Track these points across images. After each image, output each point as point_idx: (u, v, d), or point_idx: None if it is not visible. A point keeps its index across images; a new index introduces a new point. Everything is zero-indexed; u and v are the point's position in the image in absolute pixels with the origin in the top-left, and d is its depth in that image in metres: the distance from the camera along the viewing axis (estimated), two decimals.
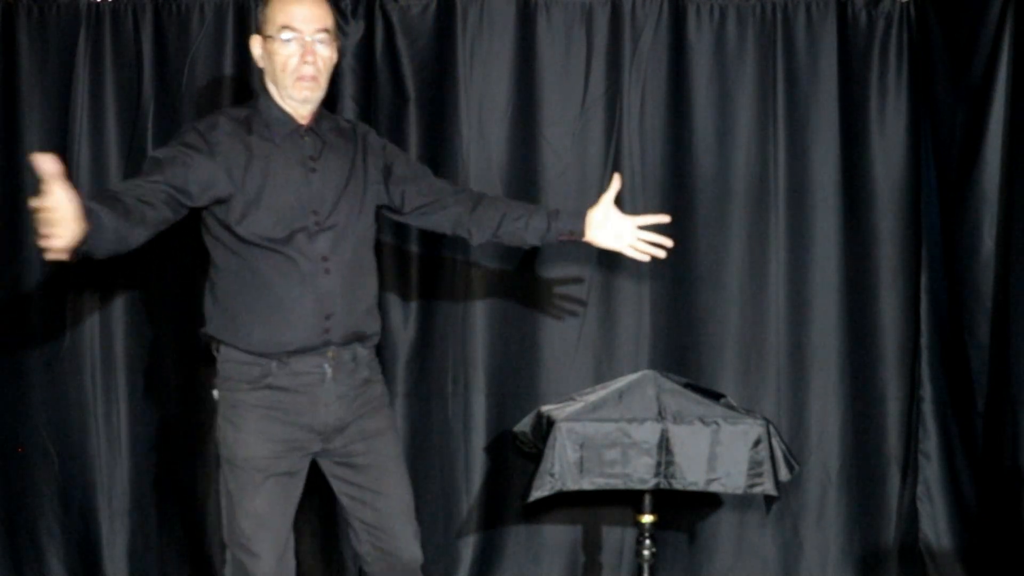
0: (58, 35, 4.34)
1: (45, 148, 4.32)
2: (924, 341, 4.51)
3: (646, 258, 3.48)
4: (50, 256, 2.74)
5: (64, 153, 4.34)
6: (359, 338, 3.28)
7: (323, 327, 3.19)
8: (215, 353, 3.26)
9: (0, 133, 4.36)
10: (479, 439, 4.42)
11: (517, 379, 4.42)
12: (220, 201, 3.16)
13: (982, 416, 4.25)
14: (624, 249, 3.45)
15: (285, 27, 3.18)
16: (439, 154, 4.37)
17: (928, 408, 4.52)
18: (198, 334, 3.33)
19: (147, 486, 4.41)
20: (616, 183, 3.43)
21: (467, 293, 4.38)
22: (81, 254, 2.85)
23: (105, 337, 4.37)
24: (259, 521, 3.16)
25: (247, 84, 4.36)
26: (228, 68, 4.35)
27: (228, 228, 3.16)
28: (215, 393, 3.27)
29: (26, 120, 4.35)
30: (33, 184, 4.31)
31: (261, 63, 3.27)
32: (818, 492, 4.48)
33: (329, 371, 3.22)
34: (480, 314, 4.40)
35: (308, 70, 3.19)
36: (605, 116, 4.42)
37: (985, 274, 4.20)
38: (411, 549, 3.34)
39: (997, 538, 4.19)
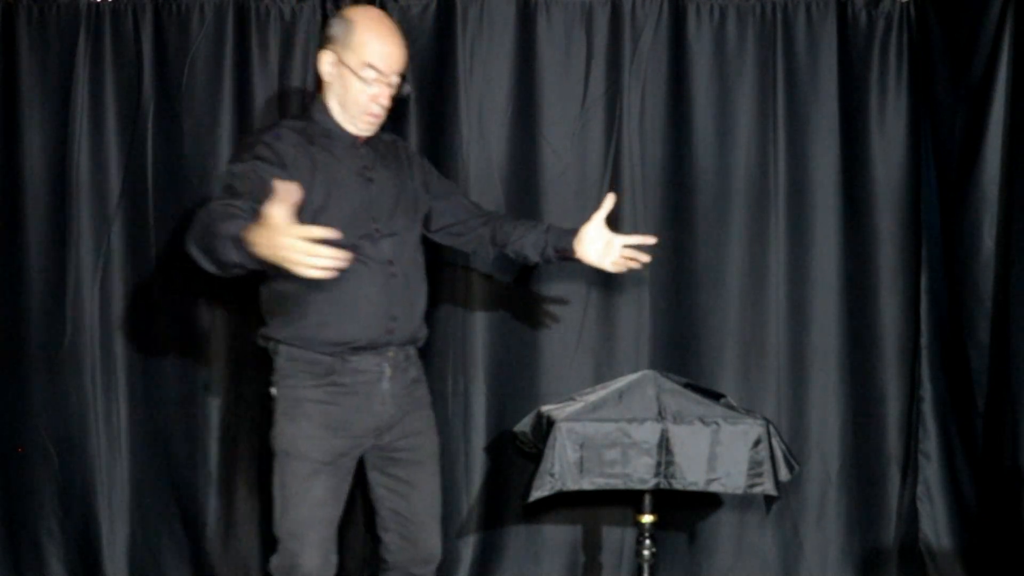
0: (58, 35, 4.35)
1: (45, 148, 4.35)
2: (924, 341, 4.51)
3: (623, 269, 3.57)
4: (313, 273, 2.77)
5: (64, 153, 4.35)
6: (414, 340, 3.43)
7: (388, 327, 3.31)
8: (272, 353, 3.34)
9: (0, 133, 4.36)
10: (479, 439, 4.42)
11: (517, 379, 4.42)
12: None
13: (982, 416, 4.24)
14: (606, 266, 3.55)
15: (370, 66, 3.26)
16: (439, 154, 4.37)
17: (928, 408, 4.52)
18: (257, 335, 3.39)
19: (147, 486, 4.41)
20: (610, 202, 3.51)
21: (467, 294, 4.39)
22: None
23: (105, 337, 4.38)
24: (311, 513, 3.26)
25: (247, 84, 4.36)
26: (228, 68, 4.36)
27: None
28: (273, 391, 3.35)
29: (26, 120, 4.35)
30: (33, 184, 4.35)
31: (328, 78, 3.33)
32: (818, 492, 4.48)
33: (388, 370, 3.34)
34: (480, 314, 4.40)
35: (377, 110, 3.32)
36: (605, 116, 4.42)
37: (985, 274, 4.20)
38: (434, 541, 3.48)
39: (997, 538, 4.19)
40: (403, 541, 3.46)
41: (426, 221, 3.56)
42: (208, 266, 2.95)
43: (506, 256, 3.64)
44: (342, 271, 3.05)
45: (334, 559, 3.32)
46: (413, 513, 3.44)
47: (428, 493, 3.48)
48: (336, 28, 3.30)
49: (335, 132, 3.34)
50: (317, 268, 2.73)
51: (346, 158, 3.33)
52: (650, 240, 3.56)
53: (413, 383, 3.45)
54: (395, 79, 3.31)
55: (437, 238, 3.63)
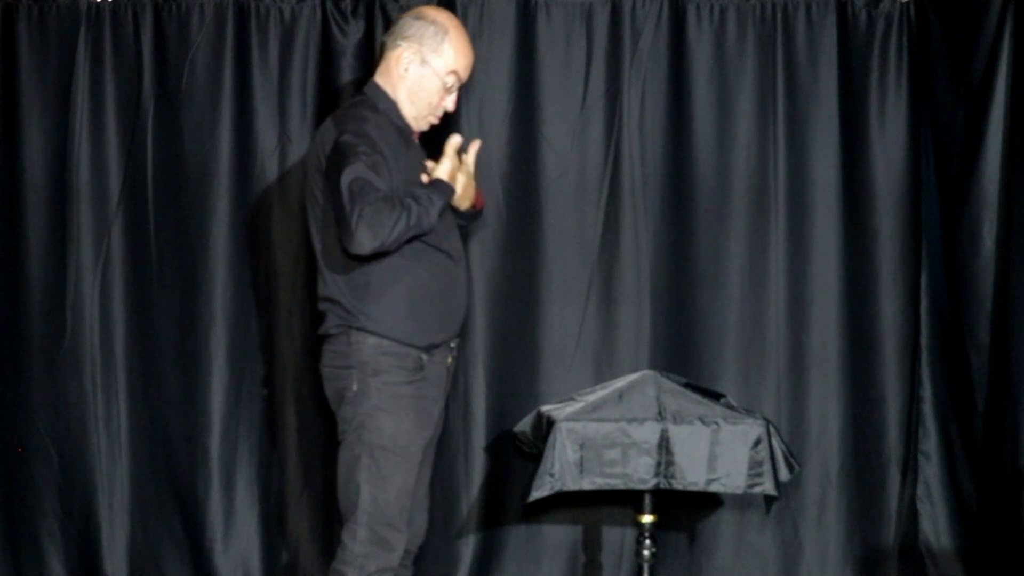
0: (58, 35, 4.35)
1: (45, 148, 4.35)
2: (924, 341, 4.51)
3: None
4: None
5: (64, 153, 4.35)
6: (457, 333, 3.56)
7: (462, 321, 3.54)
8: (354, 344, 3.35)
9: (0, 133, 4.35)
10: (479, 439, 4.42)
11: (517, 379, 4.42)
12: None
13: (982, 416, 4.24)
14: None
15: (455, 73, 3.46)
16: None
17: (928, 408, 4.52)
18: (328, 324, 3.41)
19: (147, 486, 4.41)
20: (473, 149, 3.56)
21: (467, 293, 4.38)
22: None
23: (105, 337, 4.38)
24: (404, 503, 3.40)
25: (247, 84, 4.36)
26: (228, 68, 4.36)
27: None
28: (354, 384, 3.35)
29: (26, 120, 4.35)
30: (33, 184, 4.35)
31: (403, 73, 3.44)
32: (818, 492, 4.48)
33: (450, 362, 3.53)
34: (480, 314, 4.40)
35: (442, 112, 3.52)
36: (605, 116, 4.42)
37: (985, 274, 4.20)
38: (424, 518, 3.65)
39: (997, 538, 4.19)
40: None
41: None
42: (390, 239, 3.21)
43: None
44: (436, 267, 3.41)
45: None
46: (416, 497, 3.54)
47: (427, 475, 3.61)
48: (422, 29, 3.44)
49: (404, 127, 3.48)
50: None
51: (414, 152, 3.50)
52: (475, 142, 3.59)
53: (448, 374, 3.57)
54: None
55: None
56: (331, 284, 3.39)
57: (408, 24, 3.46)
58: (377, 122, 3.39)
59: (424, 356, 3.40)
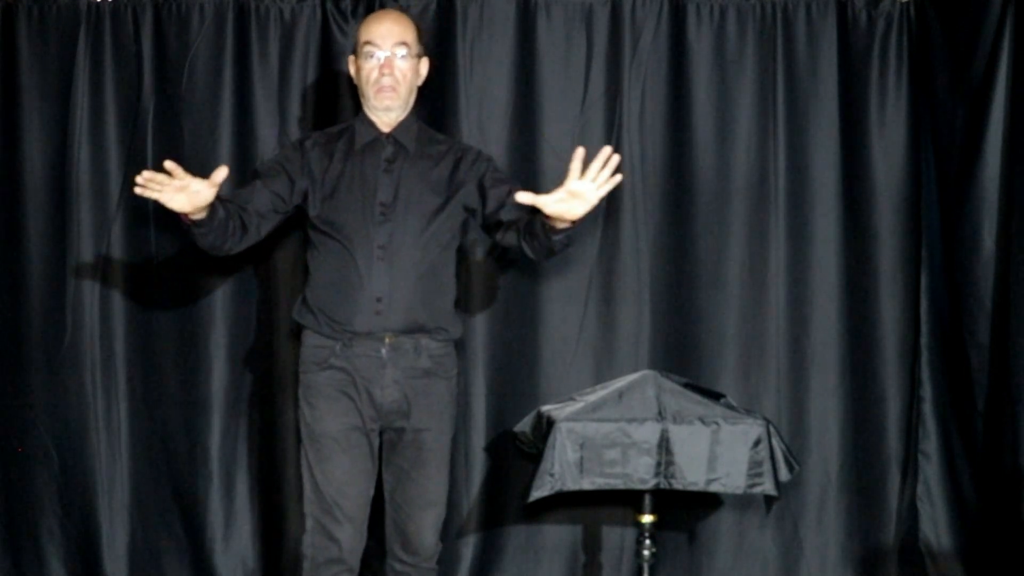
0: (58, 35, 4.35)
1: (45, 148, 4.35)
2: (924, 341, 4.51)
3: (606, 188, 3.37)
4: (141, 192, 3.24)
5: (64, 153, 4.35)
6: (421, 330, 3.50)
7: (375, 309, 3.46)
8: (305, 338, 3.55)
9: (0, 133, 4.36)
10: (479, 439, 4.42)
11: (517, 379, 4.42)
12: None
13: (982, 416, 4.24)
14: (592, 199, 3.36)
15: (367, 43, 3.53)
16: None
17: (928, 408, 4.52)
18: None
19: (147, 486, 4.41)
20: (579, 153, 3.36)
21: (467, 294, 4.38)
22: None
23: (105, 337, 4.38)
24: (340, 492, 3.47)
25: (247, 84, 4.36)
26: (228, 68, 4.36)
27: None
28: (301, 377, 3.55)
29: (26, 120, 4.36)
30: (33, 184, 4.35)
31: (355, 82, 3.61)
32: (818, 492, 4.48)
33: (385, 355, 3.47)
34: (480, 314, 4.40)
35: (387, 81, 3.53)
36: (605, 116, 4.42)
37: (985, 274, 4.20)
38: (422, 536, 3.57)
39: (997, 538, 4.19)
40: (394, 527, 3.58)
41: (484, 217, 3.64)
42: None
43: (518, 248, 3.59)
44: (336, 256, 3.48)
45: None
46: (405, 502, 3.55)
47: (423, 487, 3.55)
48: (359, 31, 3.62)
49: (365, 130, 3.58)
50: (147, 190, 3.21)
51: (367, 152, 3.57)
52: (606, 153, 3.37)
53: (425, 375, 3.51)
54: (397, 50, 3.52)
55: (489, 234, 3.72)
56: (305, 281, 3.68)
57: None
58: (330, 136, 3.65)
59: (336, 346, 3.48)
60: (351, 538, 3.44)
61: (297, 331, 3.66)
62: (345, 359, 3.46)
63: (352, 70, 3.63)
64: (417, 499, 3.54)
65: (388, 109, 3.56)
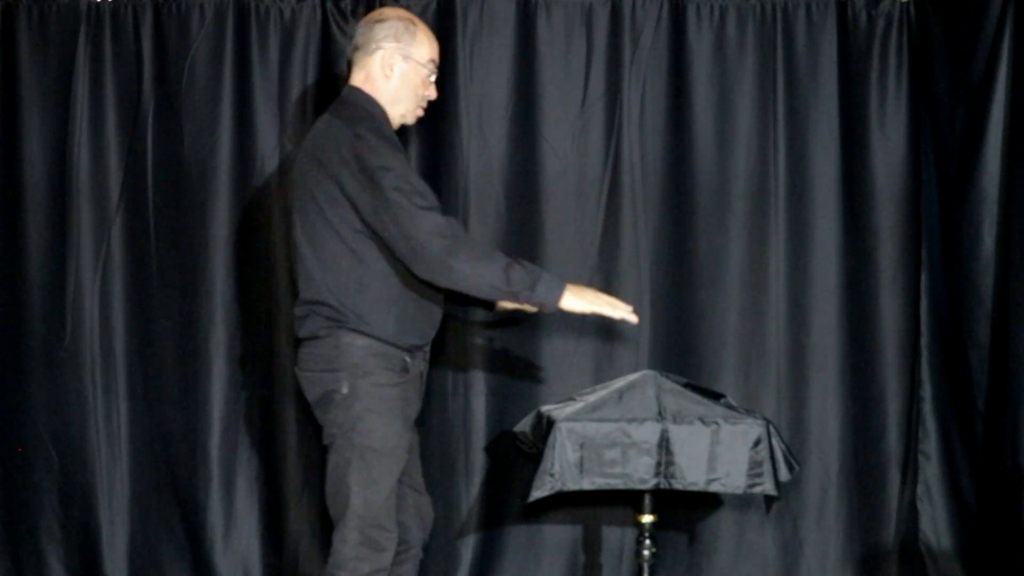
0: (58, 35, 4.35)
1: (45, 148, 4.35)
2: (924, 341, 4.51)
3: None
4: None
5: (64, 153, 4.35)
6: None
7: (439, 324, 3.54)
8: (343, 347, 3.34)
9: (0, 133, 4.36)
10: (479, 439, 4.42)
11: (517, 379, 4.42)
12: None
13: (982, 416, 4.24)
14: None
15: (432, 61, 3.53)
16: (439, 154, 4.37)
17: (928, 408, 4.52)
18: (318, 327, 3.38)
19: (147, 486, 4.41)
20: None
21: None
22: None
23: (105, 337, 4.38)
24: (391, 503, 3.42)
25: (247, 84, 4.36)
26: (228, 68, 4.36)
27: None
28: (344, 387, 3.34)
29: (26, 120, 4.36)
30: (33, 184, 4.35)
31: (387, 74, 3.47)
32: (818, 492, 4.48)
33: (424, 367, 3.53)
34: (480, 314, 4.40)
35: (426, 102, 3.57)
36: (605, 116, 4.42)
37: (985, 274, 4.20)
38: (430, 506, 3.71)
39: (997, 538, 4.19)
40: (415, 508, 3.61)
41: None
42: (482, 286, 3.28)
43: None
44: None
45: None
46: (418, 486, 3.65)
47: (420, 471, 3.70)
48: (392, 28, 3.47)
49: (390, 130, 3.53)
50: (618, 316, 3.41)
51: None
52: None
53: (423, 379, 3.59)
54: None
55: None
56: (319, 285, 3.36)
57: (376, 29, 3.48)
58: (383, 127, 3.44)
59: (408, 358, 3.41)
60: (394, 543, 3.42)
61: (335, 335, 3.40)
62: (412, 370, 3.43)
63: (395, 66, 3.46)
64: (422, 480, 3.68)
65: (410, 123, 3.58)
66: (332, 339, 3.35)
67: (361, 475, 3.33)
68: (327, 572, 3.37)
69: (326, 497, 3.41)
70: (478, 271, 3.26)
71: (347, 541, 3.34)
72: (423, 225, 3.24)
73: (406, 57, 3.47)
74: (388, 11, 3.58)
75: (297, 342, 3.48)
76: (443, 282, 3.29)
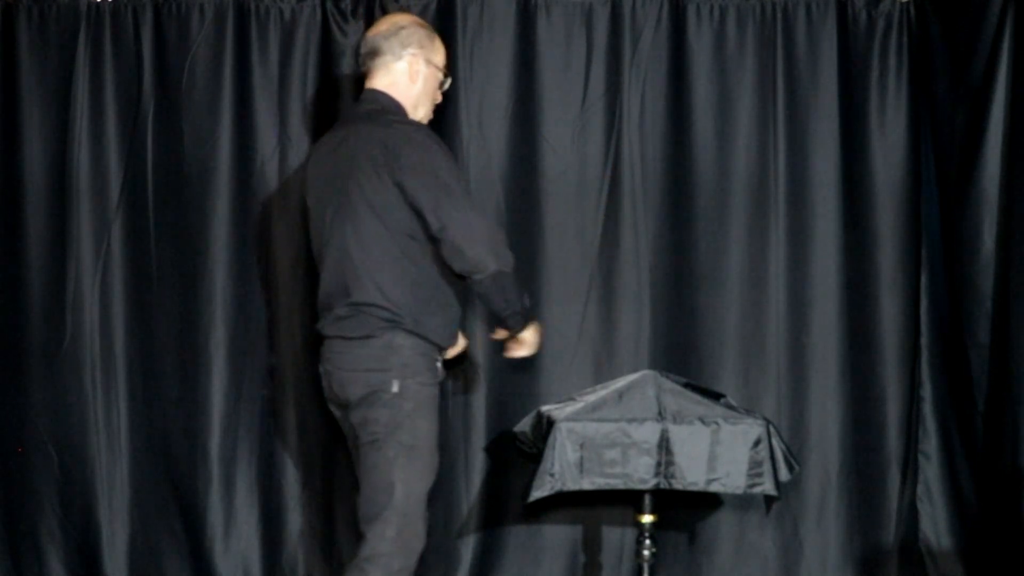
0: (58, 35, 4.35)
1: (45, 148, 4.35)
2: (924, 341, 4.51)
3: None
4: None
5: (64, 153, 4.35)
6: None
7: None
8: (394, 348, 3.38)
9: (0, 133, 4.36)
10: (479, 439, 4.42)
11: (517, 379, 4.42)
12: None
13: (982, 416, 4.25)
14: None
15: (446, 66, 3.63)
16: None
17: (928, 408, 4.52)
18: (373, 324, 3.40)
19: (147, 486, 4.41)
20: None
21: (466, 293, 4.37)
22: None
23: (105, 337, 4.38)
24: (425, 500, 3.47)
25: (247, 84, 4.36)
26: (228, 68, 4.36)
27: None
28: (394, 384, 3.37)
29: (26, 120, 4.36)
30: (33, 184, 4.35)
31: (413, 80, 3.54)
32: (818, 492, 4.48)
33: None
34: (479, 314, 4.39)
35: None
36: (605, 116, 4.42)
37: (985, 274, 4.20)
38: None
39: (997, 538, 4.19)
40: None
41: None
42: (504, 309, 3.49)
43: None
44: (439, 263, 3.46)
45: None
46: None
47: None
48: (415, 34, 3.55)
49: None
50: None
51: None
52: None
53: None
54: None
55: None
56: (372, 287, 3.38)
57: (402, 35, 3.53)
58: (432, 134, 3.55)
59: (438, 359, 3.48)
60: (422, 547, 3.44)
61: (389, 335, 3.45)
62: (439, 371, 3.51)
63: (420, 71, 3.53)
64: None
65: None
66: (384, 339, 3.38)
67: (406, 473, 3.36)
68: (357, 564, 3.36)
69: (361, 494, 3.40)
70: (510, 295, 3.44)
71: (385, 537, 3.34)
72: (483, 239, 3.38)
73: (428, 63, 3.55)
74: (403, 17, 3.62)
75: (319, 340, 3.50)
76: (478, 288, 3.42)
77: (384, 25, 3.57)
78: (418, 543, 3.39)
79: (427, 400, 3.42)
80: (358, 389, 3.39)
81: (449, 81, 3.63)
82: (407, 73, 3.52)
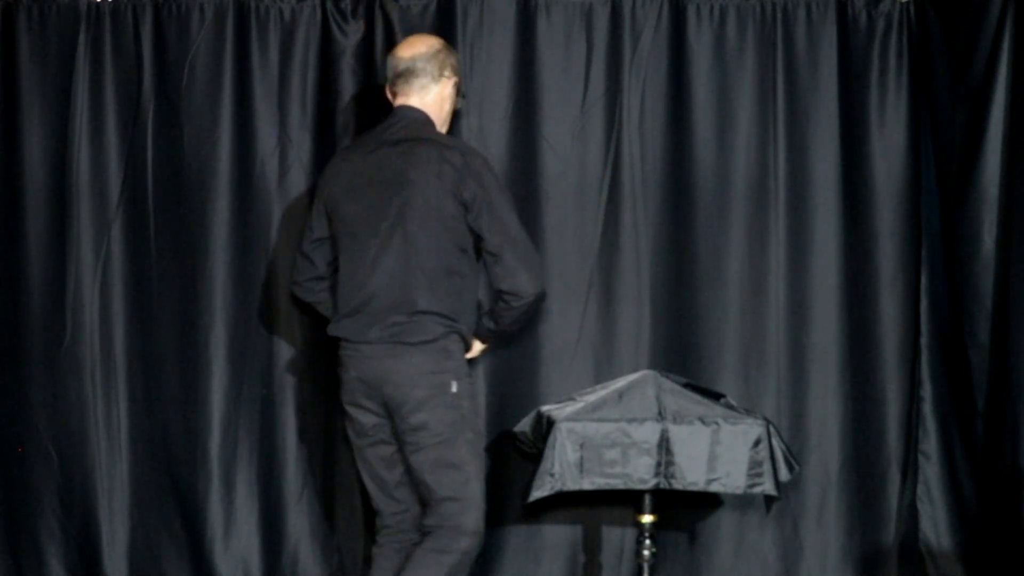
0: (58, 35, 4.35)
1: (45, 148, 4.35)
2: (924, 341, 4.51)
3: None
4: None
5: (64, 153, 4.35)
6: None
7: None
8: (449, 350, 3.63)
9: (0, 133, 4.36)
10: None
11: (517, 379, 4.42)
12: None
13: (982, 416, 4.24)
14: None
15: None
16: None
17: (928, 408, 4.52)
18: (444, 327, 3.62)
19: (147, 486, 4.41)
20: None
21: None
22: None
23: (105, 337, 4.38)
24: None
25: (247, 84, 4.36)
26: (228, 68, 4.36)
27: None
28: (454, 385, 3.60)
29: (26, 120, 4.35)
30: (33, 184, 4.35)
31: (445, 102, 3.79)
32: (818, 492, 4.48)
33: None
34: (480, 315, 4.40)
35: None
36: (605, 116, 4.42)
37: (985, 274, 4.20)
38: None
39: (997, 538, 4.19)
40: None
41: None
42: (515, 326, 3.82)
43: None
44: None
45: None
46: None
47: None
48: (450, 58, 3.79)
49: None
50: None
51: None
52: None
53: None
54: None
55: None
56: (429, 296, 3.58)
57: (441, 57, 3.75)
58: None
59: None
60: None
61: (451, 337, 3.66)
62: None
63: (450, 95, 3.79)
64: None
65: None
66: (442, 343, 3.60)
67: (476, 467, 3.63)
68: (449, 548, 3.55)
69: (433, 491, 3.58)
70: (523, 319, 3.75)
71: (477, 529, 3.59)
72: (534, 264, 3.66)
73: (455, 84, 3.81)
74: (435, 40, 3.82)
75: (327, 341, 3.62)
76: (506, 306, 3.67)
77: (421, 47, 3.74)
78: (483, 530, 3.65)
79: (474, 397, 3.84)
80: (419, 392, 3.56)
81: (464, 101, 3.92)
82: (441, 95, 3.75)
